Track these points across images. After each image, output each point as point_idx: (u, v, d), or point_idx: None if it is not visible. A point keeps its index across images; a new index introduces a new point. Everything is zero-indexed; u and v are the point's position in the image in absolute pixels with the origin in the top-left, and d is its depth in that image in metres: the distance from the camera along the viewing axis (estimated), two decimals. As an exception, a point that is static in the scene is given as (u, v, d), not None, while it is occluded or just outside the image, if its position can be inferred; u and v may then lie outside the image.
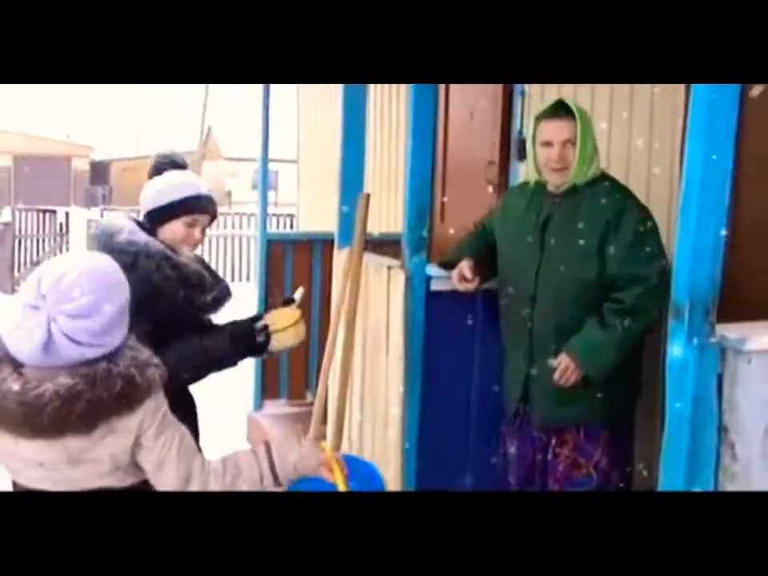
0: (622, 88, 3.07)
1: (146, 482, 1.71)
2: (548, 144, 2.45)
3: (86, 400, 1.53)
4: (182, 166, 2.41)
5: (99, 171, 38.68)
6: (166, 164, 2.39)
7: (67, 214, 12.27)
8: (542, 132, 2.46)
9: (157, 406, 1.64)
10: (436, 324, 2.69)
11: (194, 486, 1.68)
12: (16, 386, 1.53)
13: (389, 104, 5.14)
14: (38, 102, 39.08)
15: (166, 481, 1.67)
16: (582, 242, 2.40)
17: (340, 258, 3.05)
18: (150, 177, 2.40)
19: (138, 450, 1.64)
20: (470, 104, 4.25)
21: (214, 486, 1.70)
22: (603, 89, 3.15)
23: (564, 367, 2.41)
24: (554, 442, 2.52)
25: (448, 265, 2.68)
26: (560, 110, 2.44)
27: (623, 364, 2.41)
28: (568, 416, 2.49)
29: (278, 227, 12.61)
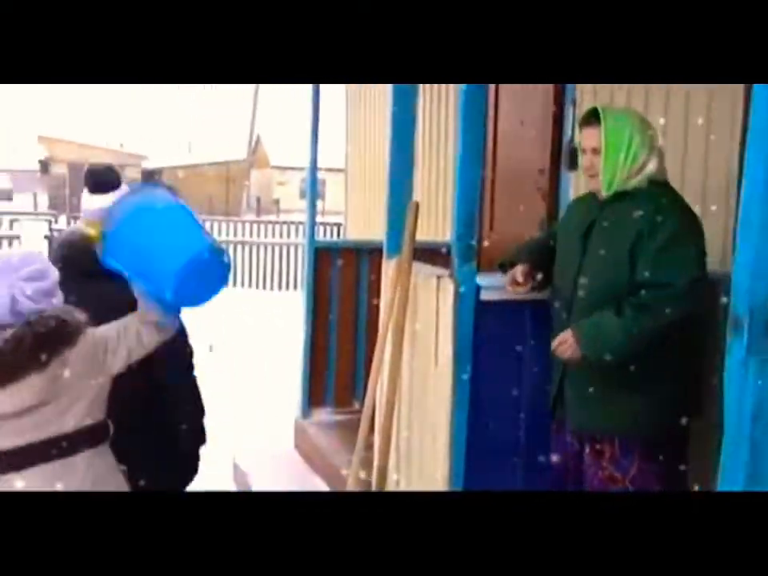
0: (678, 92, 3.02)
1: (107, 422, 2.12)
2: (583, 151, 2.49)
3: (30, 337, 1.91)
4: (118, 183, 2.66)
5: (151, 180, 39.45)
6: (104, 177, 2.65)
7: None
8: (580, 139, 2.51)
9: (93, 337, 2.04)
10: (485, 334, 2.67)
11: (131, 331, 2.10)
12: None
13: (437, 111, 5.13)
14: (93, 112, 40.06)
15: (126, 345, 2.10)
16: (615, 248, 2.39)
17: (388, 268, 3.05)
18: (91, 189, 2.64)
19: (109, 359, 2.07)
20: (520, 111, 4.22)
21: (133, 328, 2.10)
22: (658, 98, 3.10)
23: (563, 338, 2.40)
24: (587, 450, 2.48)
25: (506, 265, 2.69)
26: (592, 117, 2.45)
27: (665, 376, 2.36)
28: (600, 424, 2.44)
29: (324, 236, 12.68)
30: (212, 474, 4.39)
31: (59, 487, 1.97)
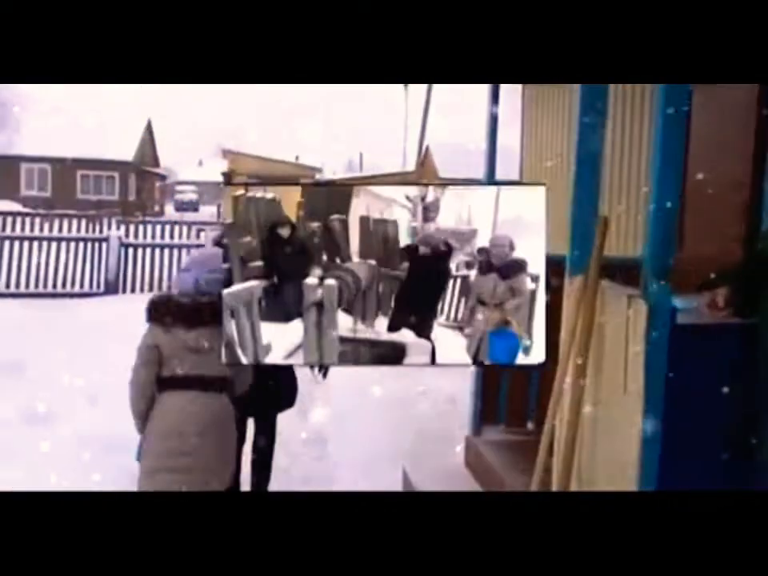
0: None
1: None
2: None
3: (209, 306, 3.13)
4: None
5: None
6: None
7: (295, 232, 12.94)
8: None
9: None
10: (681, 359, 2.46)
11: None
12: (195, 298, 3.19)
13: (621, 114, 4.89)
14: (272, 126, 42.21)
15: None
16: None
17: (572, 286, 2.90)
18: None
19: None
20: (717, 116, 3.92)
21: None
22: None
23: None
24: None
25: (709, 285, 2.51)
26: None
27: None
28: None
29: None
30: (380, 482, 4.43)
31: (193, 408, 3.09)
